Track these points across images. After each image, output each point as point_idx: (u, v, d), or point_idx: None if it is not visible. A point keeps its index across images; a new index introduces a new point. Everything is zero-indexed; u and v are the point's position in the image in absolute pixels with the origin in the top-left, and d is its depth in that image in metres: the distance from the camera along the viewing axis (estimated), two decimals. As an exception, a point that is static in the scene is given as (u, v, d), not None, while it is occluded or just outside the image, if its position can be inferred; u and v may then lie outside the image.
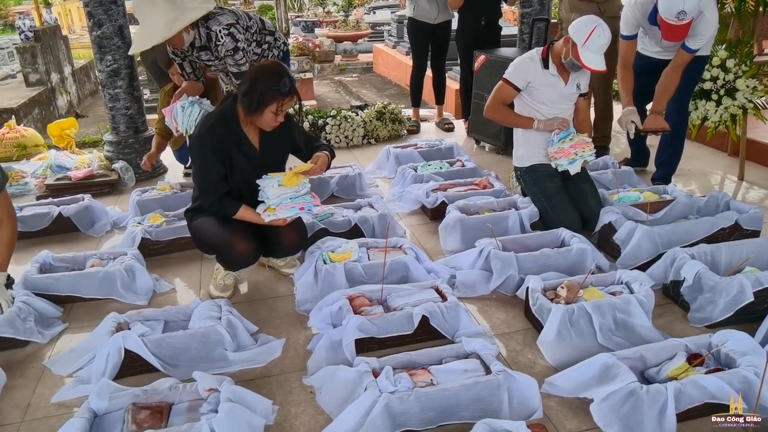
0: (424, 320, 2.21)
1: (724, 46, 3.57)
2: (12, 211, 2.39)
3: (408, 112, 5.30)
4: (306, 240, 2.77)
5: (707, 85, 3.57)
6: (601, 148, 4.13)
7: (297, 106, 2.48)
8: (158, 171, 4.32)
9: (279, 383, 2.10)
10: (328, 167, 2.62)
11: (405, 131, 5.06)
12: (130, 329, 2.23)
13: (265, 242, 2.63)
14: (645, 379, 1.94)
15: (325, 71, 12.09)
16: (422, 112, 5.48)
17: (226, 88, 3.54)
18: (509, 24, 9.35)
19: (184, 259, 3.01)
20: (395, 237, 2.93)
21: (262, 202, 2.44)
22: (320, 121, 4.77)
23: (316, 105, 8.18)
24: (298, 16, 17.16)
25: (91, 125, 8.03)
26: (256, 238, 2.56)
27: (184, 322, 2.35)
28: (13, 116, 6.74)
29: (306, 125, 4.66)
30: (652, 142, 3.80)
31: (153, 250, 3.00)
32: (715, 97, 3.57)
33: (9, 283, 2.45)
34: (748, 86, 3.50)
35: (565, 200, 2.98)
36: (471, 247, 2.77)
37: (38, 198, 3.81)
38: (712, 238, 2.79)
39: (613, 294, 2.34)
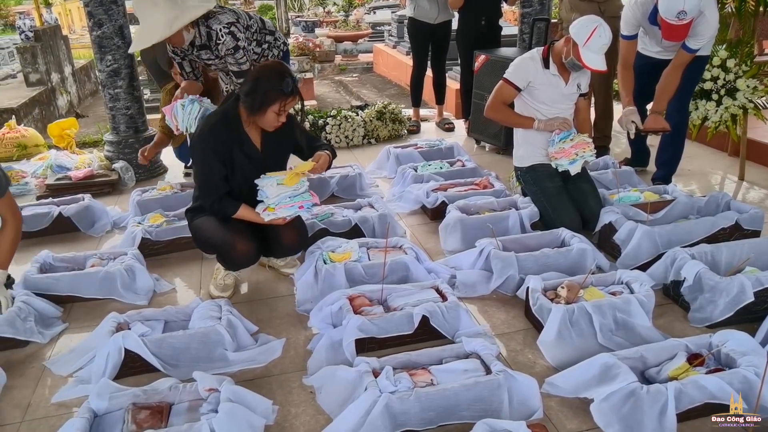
0: (425, 320, 2.21)
1: (724, 46, 3.57)
2: (16, 211, 2.40)
3: (408, 112, 5.30)
4: (306, 240, 2.76)
5: (708, 85, 3.57)
6: (602, 148, 4.13)
7: (299, 105, 2.48)
8: (158, 171, 4.32)
9: (279, 383, 2.10)
10: (329, 167, 2.62)
11: (405, 131, 5.06)
12: (130, 329, 2.23)
13: (265, 242, 2.63)
14: (645, 379, 1.94)
15: (326, 71, 12.09)
16: (422, 112, 5.48)
17: (226, 88, 3.54)
18: (509, 24, 9.36)
19: (185, 259, 3.01)
20: (395, 237, 2.92)
21: (262, 201, 2.45)
22: (320, 121, 4.77)
23: (316, 105, 8.18)
24: (299, 16, 17.17)
25: (92, 125, 8.03)
26: (257, 238, 2.56)
27: (185, 322, 2.35)
28: (14, 116, 6.74)
29: (306, 125, 4.66)
30: (653, 142, 3.80)
31: (153, 250, 3.00)
32: (715, 97, 3.57)
33: (9, 282, 2.46)
34: (748, 86, 3.50)
35: (565, 200, 2.98)
36: (471, 247, 2.77)
37: (38, 198, 3.81)
38: (713, 238, 2.79)
39: (613, 294, 2.33)
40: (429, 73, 5.08)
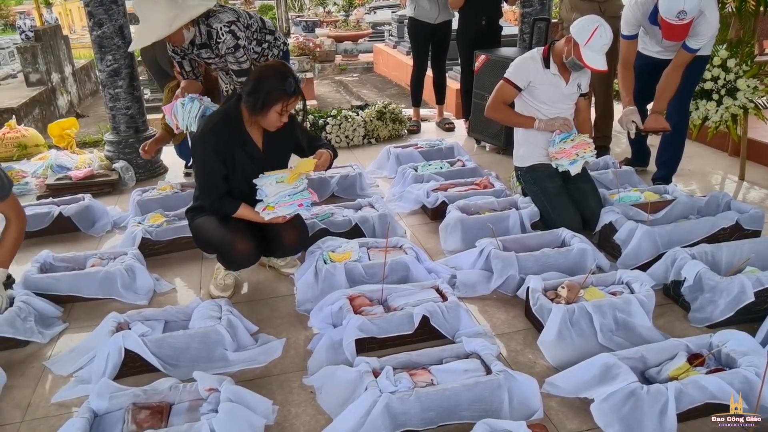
0: (425, 320, 2.21)
1: (724, 46, 3.57)
2: (20, 212, 2.41)
3: (408, 111, 5.30)
4: (306, 240, 2.76)
5: (708, 85, 3.56)
6: (602, 148, 4.13)
7: (300, 105, 2.48)
8: (158, 171, 4.32)
9: (279, 383, 2.10)
10: (331, 165, 2.62)
11: (405, 131, 5.06)
12: (130, 329, 2.23)
13: (265, 242, 2.63)
14: (645, 379, 1.94)
15: (326, 71, 12.09)
16: (423, 111, 5.48)
17: (226, 87, 3.53)
18: (510, 24, 9.35)
19: (185, 259, 3.01)
20: (395, 237, 2.92)
21: (261, 201, 2.45)
22: (321, 121, 4.77)
23: (316, 105, 8.18)
24: (299, 16, 17.17)
25: (92, 125, 8.03)
26: (257, 237, 2.56)
27: (185, 322, 2.35)
28: (14, 116, 6.73)
29: (306, 125, 4.66)
30: (653, 141, 3.80)
31: (153, 250, 3.00)
32: (715, 96, 3.57)
33: (9, 282, 2.46)
34: (748, 86, 3.50)
35: (565, 200, 2.98)
36: (471, 247, 2.77)
37: (39, 198, 3.81)
38: (713, 238, 2.79)
39: (613, 294, 2.33)
40: (429, 73, 5.08)
